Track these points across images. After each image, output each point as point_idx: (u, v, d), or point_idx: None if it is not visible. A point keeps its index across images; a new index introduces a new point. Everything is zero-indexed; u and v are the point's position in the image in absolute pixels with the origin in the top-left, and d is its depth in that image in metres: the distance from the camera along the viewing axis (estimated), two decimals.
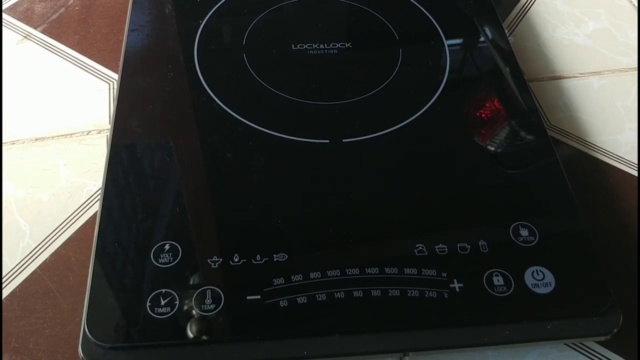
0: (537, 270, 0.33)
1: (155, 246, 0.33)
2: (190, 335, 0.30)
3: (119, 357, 0.30)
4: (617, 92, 0.48)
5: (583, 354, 0.34)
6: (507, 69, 0.45)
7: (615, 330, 0.32)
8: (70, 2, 0.53)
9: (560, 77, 0.49)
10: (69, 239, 0.37)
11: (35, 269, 0.36)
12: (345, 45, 0.46)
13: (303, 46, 0.46)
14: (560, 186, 0.37)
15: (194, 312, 0.31)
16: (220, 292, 0.32)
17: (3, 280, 0.35)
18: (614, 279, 0.34)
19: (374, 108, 0.42)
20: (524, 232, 0.35)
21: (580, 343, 0.34)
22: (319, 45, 0.46)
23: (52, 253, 0.37)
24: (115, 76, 0.47)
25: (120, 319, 0.31)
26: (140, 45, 0.45)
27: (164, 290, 0.32)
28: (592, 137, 0.45)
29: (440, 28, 0.48)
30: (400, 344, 0.31)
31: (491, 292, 0.32)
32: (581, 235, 0.35)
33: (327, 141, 0.39)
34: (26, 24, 0.51)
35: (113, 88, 0.46)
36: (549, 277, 0.33)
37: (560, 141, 0.44)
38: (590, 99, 0.47)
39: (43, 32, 0.50)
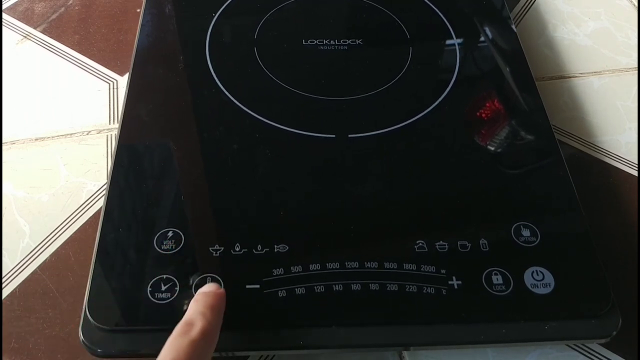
0: (537, 271, 0.33)
1: (159, 233, 0.34)
2: None
3: (119, 340, 0.30)
4: (617, 92, 0.48)
5: (583, 354, 0.34)
6: (517, 69, 0.45)
7: (614, 333, 0.31)
8: (70, 2, 0.53)
9: (561, 77, 0.49)
10: (68, 239, 0.37)
11: (35, 269, 0.36)
12: (356, 42, 0.46)
13: (314, 41, 0.46)
14: (565, 187, 0.37)
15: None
16: (220, 280, 0.32)
17: (3, 280, 0.35)
18: (614, 279, 0.34)
19: (381, 105, 0.42)
20: (526, 233, 0.35)
21: (581, 343, 0.34)
22: (329, 41, 0.46)
23: (52, 253, 0.37)
24: (115, 76, 0.47)
25: (121, 302, 0.31)
26: (152, 36, 0.46)
27: (165, 276, 0.32)
28: (592, 137, 0.45)
29: (451, 26, 0.48)
30: (395, 338, 0.31)
31: (490, 290, 0.32)
32: (583, 237, 0.35)
33: (334, 136, 0.39)
34: (26, 23, 0.51)
35: (113, 88, 0.46)
36: (549, 278, 0.33)
37: (561, 141, 0.44)
38: (590, 99, 0.47)
39: (43, 32, 0.50)
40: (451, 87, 0.43)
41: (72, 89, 0.46)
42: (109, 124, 0.44)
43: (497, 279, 0.32)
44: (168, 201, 0.35)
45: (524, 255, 0.34)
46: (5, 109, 0.44)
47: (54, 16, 0.51)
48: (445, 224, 0.35)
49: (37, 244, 0.37)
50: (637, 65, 0.50)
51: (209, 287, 0.31)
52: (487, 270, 0.33)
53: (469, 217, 0.36)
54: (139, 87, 0.42)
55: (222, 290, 0.31)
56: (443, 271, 0.33)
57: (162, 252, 0.33)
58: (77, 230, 0.38)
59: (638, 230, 0.39)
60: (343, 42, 0.46)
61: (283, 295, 0.31)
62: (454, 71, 0.45)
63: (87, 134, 0.43)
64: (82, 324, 0.30)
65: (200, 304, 0.29)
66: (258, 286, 0.32)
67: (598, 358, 0.34)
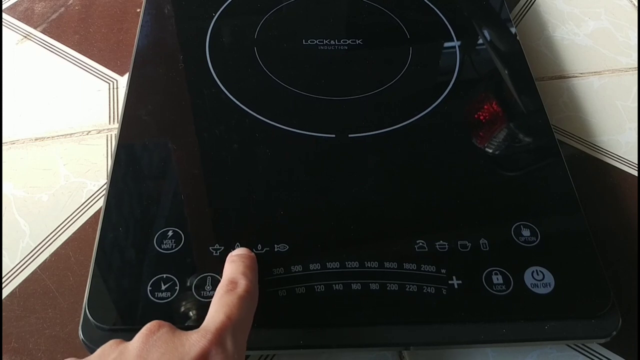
0: (537, 271, 0.33)
1: (159, 232, 0.34)
2: (189, 321, 0.30)
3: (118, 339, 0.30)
4: (617, 92, 0.48)
5: (583, 354, 0.34)
6: (517, 69, 0.45)
7: (614, 333, 0.31)
8: (70, 2, 0.53)
9: (561, 77, 0.49)
10: (68, 239, 0.37)
11: (35, 269, 0.36)
12: (355, 42, 0.46)
13: (314, 41, 0.46)
14: (565, 188, 0.37)
15: (193, 298, 0.31)
16: (221, 279, 0.32)
17: (3, 280, 0.35)
18: (614, 279, 0.34)
19: (381, 105, 0.42)
20: (526, 233, 0.35)
21: (581, 343, 0.34)
22: (329, 41, 0.46)
23: (52, 253, 0.37)
24: (115, 76, 0.47)
25: (121, 302, 0.31)
26: (152, 36, 0.46)
27: (165, 276, 0.32)
28: (592, 136, 0.45)
29: (451, 27, 0.48)
30: (395, 338, 0.31)
31: (490, 290, 0.32)
32: (583, 237, 0.35)
33: (333, 136, 0.39)
34: (26, 23, 0.51)
35: (113, 88, 0.46)
36: (549, 278, 0.33)
37: (560, 141, 0.44)
38: (590, 98, 0.47)
39: (43, 32, 0.50)
40: (451, 87, 0.43)
41: (72, 89, 0.46)
42: (109, 123, 0.44)
43: (497, 279, 0.32)
44: (168, 201, 0.36)
45: (524, 255, 0.34)
46: (5, 109, 0.44)
47: (54, 16, 0.51)
48: (445, 224, 0.35)
49: (37, 244, 0.37)
50: (637, 65, 0.50)
51: (241, 250, 0.32)
52: (487, 270, 0.33)
53: (469, 217, 0.36)
54: (139, 87, 0.42)
55: (253, 253, 0.32)
56: (443, 271, 0.33)
57: (162, 251, 0.33)
58: (77, 230, 0.38)
59: (638, 230, 0.39)
60: (343, 42, 0.46)
61: (283, 295, 0.31)
62: (454, 71, 0.45)
63: (87, 134, 0.43)
64: (82, 324, 0.30)
65: (240, 264, 0.30)
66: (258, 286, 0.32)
67: (598, 358, 0.34)
